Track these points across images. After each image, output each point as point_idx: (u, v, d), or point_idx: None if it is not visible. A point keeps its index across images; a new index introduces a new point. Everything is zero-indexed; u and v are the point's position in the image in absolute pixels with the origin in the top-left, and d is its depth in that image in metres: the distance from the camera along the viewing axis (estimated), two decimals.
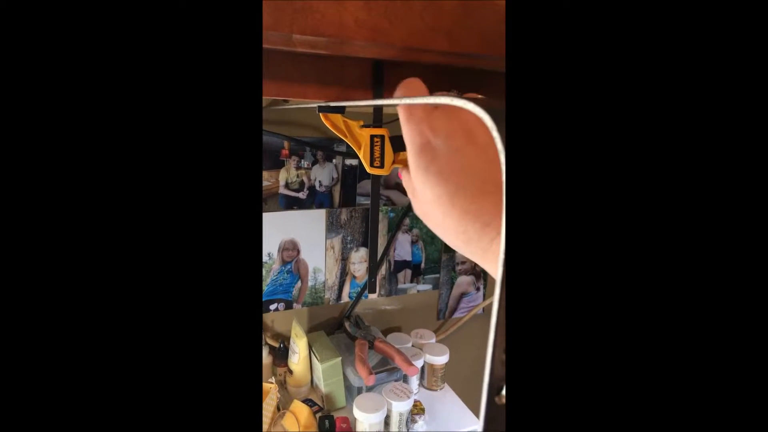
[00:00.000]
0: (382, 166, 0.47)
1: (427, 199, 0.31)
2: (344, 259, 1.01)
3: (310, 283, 0.99)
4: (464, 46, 0.45)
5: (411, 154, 0.33)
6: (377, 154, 0.46)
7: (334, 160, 0.95)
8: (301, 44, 0.39)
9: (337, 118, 0.46)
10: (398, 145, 0.47)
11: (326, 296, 1.01)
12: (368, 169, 0.46)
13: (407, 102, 0.31)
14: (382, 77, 0.46)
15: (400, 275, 1.08)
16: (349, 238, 1.00)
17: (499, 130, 0.22)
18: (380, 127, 0.47)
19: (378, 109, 0.49)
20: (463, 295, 1.18)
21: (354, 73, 0.46)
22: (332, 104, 0.44)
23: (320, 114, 0.46)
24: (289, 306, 0.98)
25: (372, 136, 0.46)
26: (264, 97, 0.54)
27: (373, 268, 0.81)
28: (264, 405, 0.77)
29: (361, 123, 0.47)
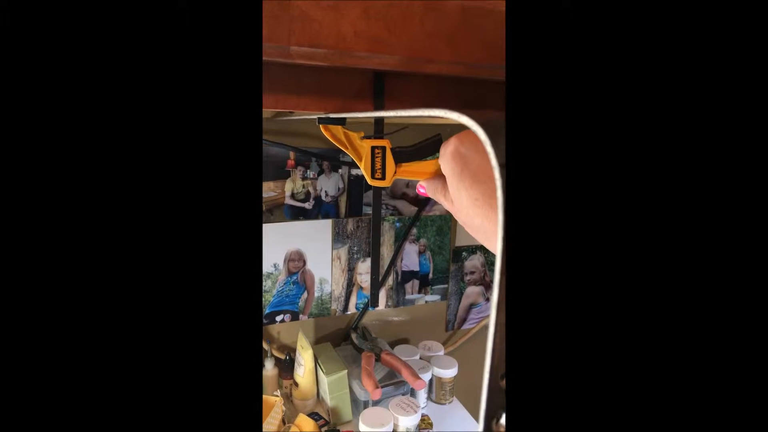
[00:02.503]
0: (383, 178, 0.46)
1: (464, 203, 0.31)
2: (351, 270, 1.00)
3: (316, 294, 0.98)
4: (467, 56, 0.44)
5: (444, 163, 0.33)
6: (378, 165, 0.45)
7: (340, 170, 0.94)
8: (300, 56, 0.38)
9: (338, 129, 0.45)
10: (400, 156, 0.46)
11: (333, 307, 1.00)
12: (369, 181, 0.46)
13: (402, 114, 0.30)
14: (383, 88, 0.45)
15: (408, 286, 1.07)
16: (355, 248, 0.99)
17: (499, 143, 0.21)
18: (381, 138, 0.46)
19: (379, 121, 0.49)
20: (472, 305, 1.16)
21: (355, 84, 0.45)
22: (332, 116, 0.44)
23: (320, 126, 0.45)
24: (295, 317, 0.97)
25: (373, 148, 0.45)
26: (266, 109, 0.54)
27: (375, 280, 0.80)
28: (269, 418, 0.76)
29: (362, 134, 0.46)
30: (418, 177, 0.47)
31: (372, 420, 0.75)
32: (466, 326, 1.16)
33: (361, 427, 0.75)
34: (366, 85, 0.46)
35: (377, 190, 0.77)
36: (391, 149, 0.46)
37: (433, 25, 0.41)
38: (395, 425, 0.78)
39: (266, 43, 0.37)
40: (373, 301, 0.79)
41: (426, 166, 0.47)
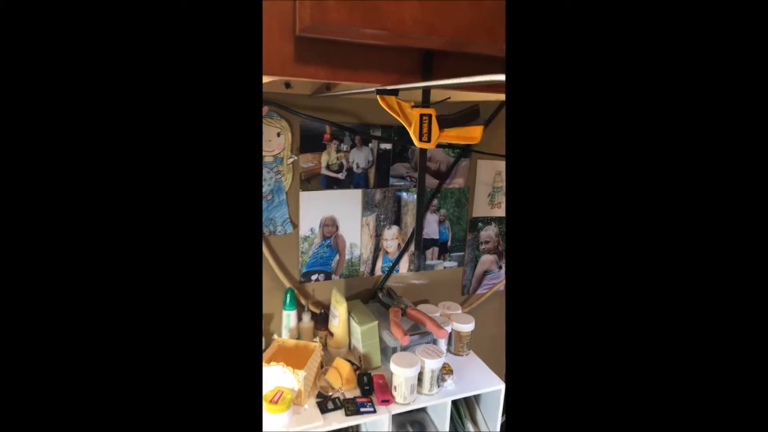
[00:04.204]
0: (429, 141, 0.55)
1: None
2: (378, 236, 1.10)
3: (347, 257, 1.08)
4: (501, 39, 0.53)
5: None
6: (425, 130, 0.55)
7: (370, 144, 1.04)
8: (370, 37, 0.48)
9: (392, 99, 0.55)
10: (444, 123, 0.56)
11: (361, 269, 1.10)
12: (417, 144, 0.55)
13: (454, 82, 0.39)
14: (431, 65, 0.54)
15: (428, 252, 1.17)
16: (382, 216, 1.09)
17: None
18: (428, 107, 0.55)
19: (426, 92, 0.58)
20: (486, 272, 1.26)
21: (408, 61, 0.54)
22: (388, 88, 0.53)
23: (378, 96, 0.54)
24: (328, 277, 1.07)
25: (421, 115, 0.55)
26: (329, 82, 0.63)
27: (418, 235, 0.92)
28: (310, 360, 0.87)
29: (412, 104, 0.55)
30: (459, 141, 0.57)
31: (402, 362, 0.86)
32: (480, 291, 1.26)
33: (393, 367, 0.86)
34: (416, 63, 0.55)
35: (423, 153, 0.87)
36: (437, 116, 0.55)
37: (475, 14, 0.51)
38: (422, 367, 0.88)
39: (344, 26, 0.46)
40: (417, 245, 0.91)
41: (465, 131, 0.57)
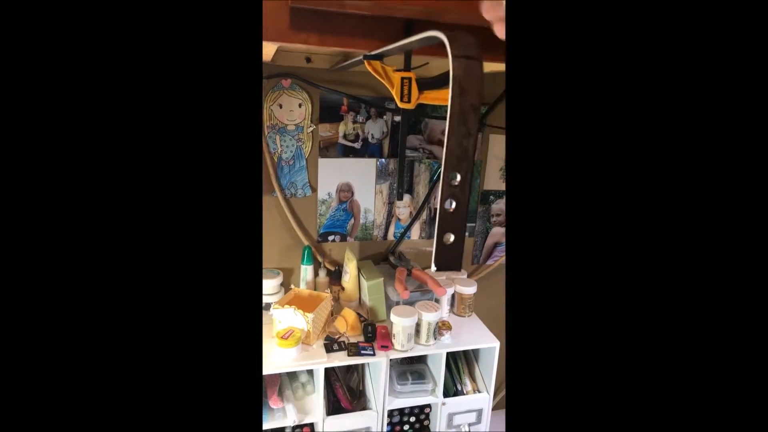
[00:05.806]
0: (409, 101, 0.63)
1: None
2: (390, 203, 1.18)
3: (361, 221, 1.17)
4: (472, 8, 0.59)
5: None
6: (406, 91, 0.63)
7: (384, 117, 1.11)
8: (352, 7, 0.56)
9: (377, 64, 0.63)
10: (423, 85, 0.63)
11: (375, 233, 1.19)
12: (399, 104, 0.63)
13: (406, 41, 0.46)
14: (411, 32, 0.61)
15: None
16: (395, 185, 1.17)
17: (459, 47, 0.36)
18: (409, 71, 0.63)
19: (408, 57, 0.65)
20: (496, 244, 1.31)
21: (390, 29, 0.62)
22: (374, 53, 0.61)
23: (365, 60, 0.62)
24: (343, 239, 1.17)
25: (402, 78, 0.62)
26: (327, 49, 0.72)
27: (401, 173, 1.01)
28: (321, 306, 0.97)
29: (395, 68, 0.63)
30: (436, 102, 0.64)
31: (401, 313, 0.95)
32: (489, 261, 1.32)
33: (392, 317, 0.95)
34: (398, 32, 0.62)
35: (404, 126, 0.94)
36: (416, 79, 0.62)
37: None
38: (419, 319, 0.96)
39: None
40: (398, 195, 1.01)
41: (443, 93, 0.64)
